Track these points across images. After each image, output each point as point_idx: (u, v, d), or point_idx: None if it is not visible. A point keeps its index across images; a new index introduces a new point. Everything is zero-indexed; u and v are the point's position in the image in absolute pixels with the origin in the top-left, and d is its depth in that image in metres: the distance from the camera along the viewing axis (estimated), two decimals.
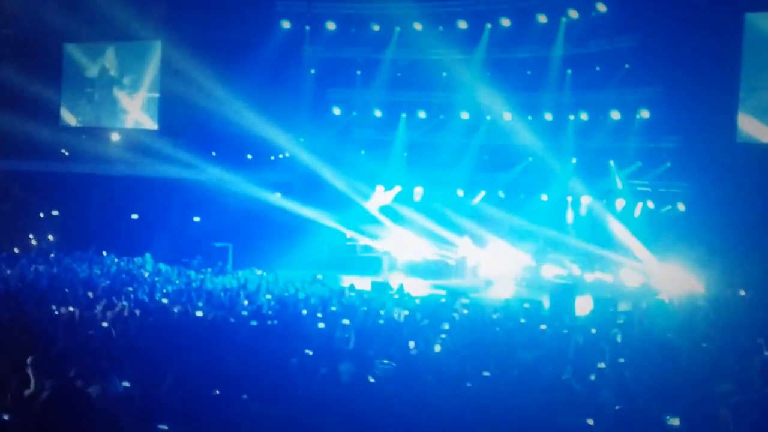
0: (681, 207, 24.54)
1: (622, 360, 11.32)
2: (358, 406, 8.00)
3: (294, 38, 27.91)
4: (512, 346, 12.20)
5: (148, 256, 24.09)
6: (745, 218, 21.49)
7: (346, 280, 22.28)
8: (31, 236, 29.23)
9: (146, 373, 8.86)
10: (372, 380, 9.26)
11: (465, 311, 16.39)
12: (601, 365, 10.70)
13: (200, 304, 15.60)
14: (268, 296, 17.63)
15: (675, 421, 7.31)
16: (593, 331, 14.62)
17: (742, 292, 20.31)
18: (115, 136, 30.37)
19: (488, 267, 26.53)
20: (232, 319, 13.91)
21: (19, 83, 28.15)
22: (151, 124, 29.75)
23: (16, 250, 26.26)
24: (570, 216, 27.02)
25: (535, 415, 7.78)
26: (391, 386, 9.13)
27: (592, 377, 10.10)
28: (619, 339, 13.44)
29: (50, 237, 29.05)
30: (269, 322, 13.94)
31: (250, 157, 29.44)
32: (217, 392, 8.21)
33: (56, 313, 13.56)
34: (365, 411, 7.84)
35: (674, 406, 7.78)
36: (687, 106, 23.16)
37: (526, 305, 18.48)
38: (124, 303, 14.96)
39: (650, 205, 25.59)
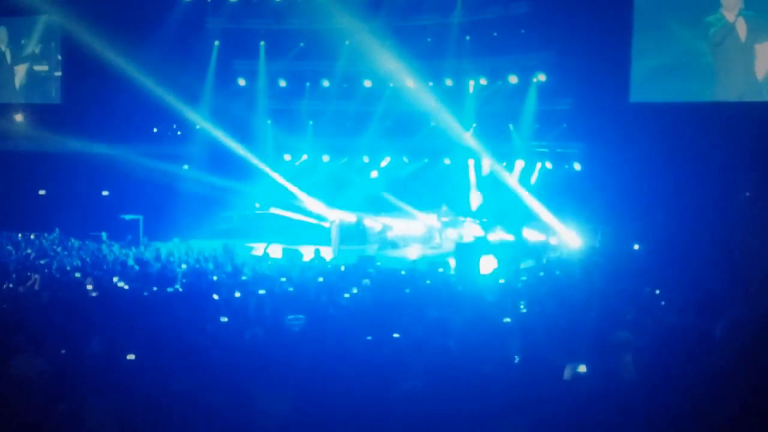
0: (577, 167, 25.38)
1: (524, 309, 11.86)
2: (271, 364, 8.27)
3: (196, 10, 27.71)
4: (421, 305, 12.44)
5: (57, 231, 24.05)
6: (638, 175, 22.29)
7: (257, 249, 22.57)
8: None
9: (62, 346, 8.94)
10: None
11: (367, 281, 16.55)
12: (507, 320, 11.06)
13: (116, 279, 15.71)
14: (183, 266, 17.83)
15: (582, 368, 7.47)
16: (501, 281, 15.21)
17: (636, 247, 21.14)
18: (18, 116, 29.82)
19: (396, 231, 27.12)
20: (145, 293, 14.07)
21: None
22: (54, 100, 29.33)
23: None
24: (472, 178, 27.69)
25: (443, 370, 7.97)
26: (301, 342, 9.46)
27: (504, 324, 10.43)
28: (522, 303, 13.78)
29: None
30: (181, 290, 14.21)
31: (156, 130, 29.33)
32: (132, 357, 8.33)
33: None
34: (277, 369, 8.09)
35: (577, 356, 8.10)
36: (581, 69, 23.80)
37: (441, 270, 19.00)
38: (36, 276, 15.06)
39: (548, 165, 26.42)
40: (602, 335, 9.27)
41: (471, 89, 26.95)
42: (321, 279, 15.84)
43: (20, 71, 30.03)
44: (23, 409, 6.81)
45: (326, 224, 25.74)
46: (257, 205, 28.78)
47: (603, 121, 23.49)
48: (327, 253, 22.71)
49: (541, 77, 25.44)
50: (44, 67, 29.70)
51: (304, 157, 29.92)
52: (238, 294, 13.45)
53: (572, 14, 23.34)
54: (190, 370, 7.89)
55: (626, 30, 22.84)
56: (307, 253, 21.18)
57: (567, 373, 7.62)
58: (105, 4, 25.60)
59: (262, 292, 13.44)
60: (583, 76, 23.79)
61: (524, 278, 16.78)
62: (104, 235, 23.93)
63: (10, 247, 21.11)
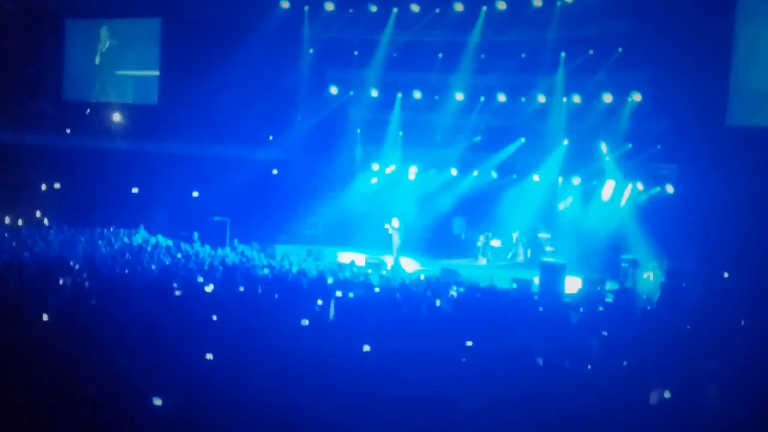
0: (670, 189, 24.86)
1: (605, 333, 11.64)
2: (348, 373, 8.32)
3: (293, 18, 28.05)
4: (504, 324, 12.28)
5: (142, 228, 24.61)
6: (733, 201, 21.78)
7: (343, 257, 22.69)
8: (35, 210, 29.55)
9: (145, 344, 9.07)
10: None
11: (453, 293, 16.39)
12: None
13: (201, 279, 15.91)
14: (266, 270, 18.00)
15: (666, 394, 7.48)
16: (581, 310, 14.99)
17: (726, 274, 20.59)
18: (116, 116, 30.59)
19: (483, 246, 27.05)
20: (228, 294, 14.20)
21: (21, 58, 28.51)
22: (152, 100, 30.05)
23: (20, 222, 26.71)
24: (561, 196, 27.36)
25: (523, 392, 7.87)
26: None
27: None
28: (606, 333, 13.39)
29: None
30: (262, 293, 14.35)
31: (249, 135, 29.75)
32: (210, 357, 8.43)
33: (60, 283, 13.82)
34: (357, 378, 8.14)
35: (663, 382, 7.89)
36: (678, 89, 23.40)
37: (514, 285, 18.91)
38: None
39: (639, 186, 25.93)
40: (690, 363, 9.05)
41: (564, 106, 26.64)
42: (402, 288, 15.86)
43: (120, 72, 30.84)
44: (115, 405, 6.97)
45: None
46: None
47: (699, 143, 23.04)
48: (406, 263, 22.82)
49: (636, 97, 25.01)
50: (143, 69, 30.46)
51: (392, 167, 29.94)
52: (320, 302, 13.48)
53: (671, 33, 23.01)
54: (269, 370, 7.99)
55: (726, 51, 22.43)
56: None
57: (653, 399, 7.50)
58: (205, 9, 26.13)
59: (338, 294, 13.52)
60: (680, 96, 23.35)
61: (609, 300, 16.52)
62: (196, 235, 24.30)
63: (100, 243, 21.62)
